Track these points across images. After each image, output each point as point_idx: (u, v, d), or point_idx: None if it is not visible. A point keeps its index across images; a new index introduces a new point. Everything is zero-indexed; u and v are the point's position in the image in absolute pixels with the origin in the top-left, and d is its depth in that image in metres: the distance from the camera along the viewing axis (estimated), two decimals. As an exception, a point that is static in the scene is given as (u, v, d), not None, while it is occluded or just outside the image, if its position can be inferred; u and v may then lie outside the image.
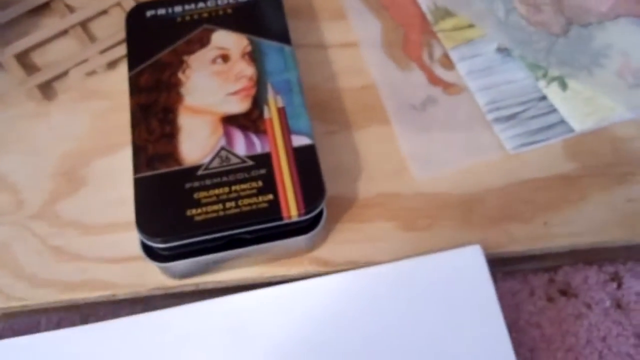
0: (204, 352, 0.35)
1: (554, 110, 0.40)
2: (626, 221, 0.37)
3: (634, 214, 0.37)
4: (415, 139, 0.40)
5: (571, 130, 0.39)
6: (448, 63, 0.43)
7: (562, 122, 0.40)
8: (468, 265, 0.36)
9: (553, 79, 0.41)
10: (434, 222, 0.38)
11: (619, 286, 0.38)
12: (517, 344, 0.36)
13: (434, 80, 0.42)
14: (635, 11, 0.43)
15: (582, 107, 0.40)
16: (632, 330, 0.36)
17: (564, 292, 0.38)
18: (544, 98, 0.41)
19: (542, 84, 0.41)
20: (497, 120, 0.40)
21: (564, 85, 0.41)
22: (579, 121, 0.40)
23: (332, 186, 0.38)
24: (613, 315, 0.37)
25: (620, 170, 0.39)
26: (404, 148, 0.40)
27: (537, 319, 0.37)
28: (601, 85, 0.40)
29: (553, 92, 0.41)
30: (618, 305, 0.37)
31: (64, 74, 0.43)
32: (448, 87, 0.42)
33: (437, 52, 0.43)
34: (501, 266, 0.38)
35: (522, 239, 0.37)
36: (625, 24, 0.42)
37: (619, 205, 0.38)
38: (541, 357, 0.36)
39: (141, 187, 0.35)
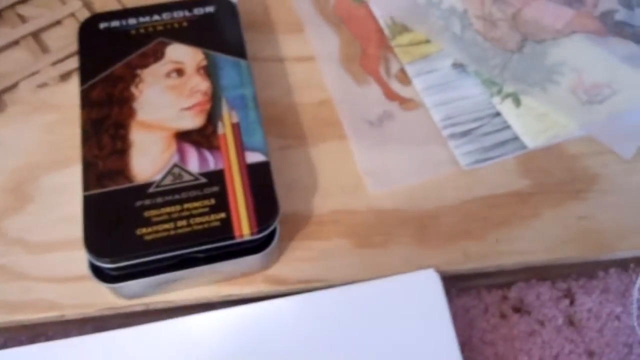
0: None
1: (507, 126, 0.41)
2: (578, 238, 0.38)
3: (585, 231, 0.38)
4: (371, 155, 0.40)
5: (524, 147, 0.40)
6: (405, 78, 0.43)
7: (516, 138, 0.40)
8: (423, 289, 0.36)
9: (507, 95, 0.41)
10: (389, 238, 0.38)
11: (572, 303, 0.38)
12: (471, 362, 0.36)
13: (390, 95, 0.42)
14: (590, 27, 0.43)
15: (535, 123, 0.40)
16: (584, 347, 0.37)
17: (517, 309, 0.38)
18: (498, 114, 0.41)
19: (496, 100, 0.41)
20: (452, 136, 0.40)
21: (517, 102, 0.41)
22: (532, 138, 0.40)
23: (286, 203, 0.38)
24: (565, 332, 0.37)
25: (572, 187, 0.39)
26: (359, 164, 0.40)
27: (490, 336, 0.37)
28: (554, 101, 0.41)
29: (507, 109, 0.41)
30: (571, 322, 0.38)
31: (14, 86, 0.42)
32: (404, 102, 0.42)
33: (394, 67, 0.43)
34: (455, 282, 0.38)
35: (476, 256, 0.37)
36: (579, 40, 0.43)
37: (571, 222, 0.38)
38: (494, 375, 0.36)
39: (90, 205, 0.34)
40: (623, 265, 0.39)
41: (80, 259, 0.35)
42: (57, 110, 0.42)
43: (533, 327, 0.37)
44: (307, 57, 0.44)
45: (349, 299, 0.36)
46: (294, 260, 0.37)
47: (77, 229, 0.34)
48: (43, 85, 0.42)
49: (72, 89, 0.42)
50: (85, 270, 0.34)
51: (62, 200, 0.38)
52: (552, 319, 0.37)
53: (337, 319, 0.36)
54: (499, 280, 0.39)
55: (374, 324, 0.35)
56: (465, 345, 0.36)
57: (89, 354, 0.35)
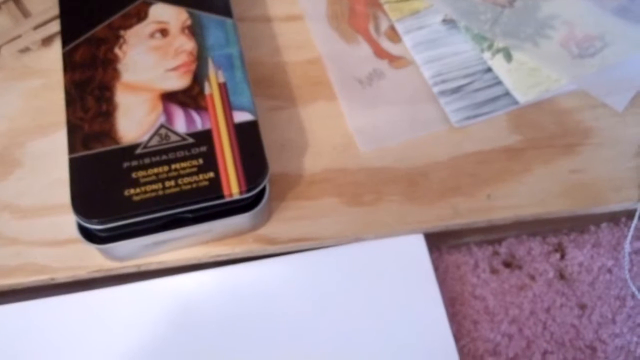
0: (145, 331, 0.35)
1: (498, 82, 0.40)
2: (569, 192, 0.37)
3: (577, 184, 0.38)
4: (361, 113, 0.39)
5: (515, 102, 0.39)
6: (394, 36, 0.42)
7: (507, 94, 0.40)
8: (410, 253, 0.37)
9: (498, 51, 0.41)
10: (379, 197, 0.37)
11: (562, 257, 0.38)
12: (461, 317, 0.36)
13: (380, 53, 0.42)
14: (582, -19, 0.43)
15: (526, 78, 0.40)
16: (575, 300, 0.37)
17: (508, 264, 0.38)
18: (489, 70, 0.40)
19: (487, 55, 0.41)
20: (443, 93, 0.40)
21: (509, 57, 0.41)
22: (523, 93, 0.40)
23: (277, 163, 0.38)
24: (557, 286, 0.37)
25: (563, 141, 0.39)
26: (350, 122, 0.39)
27: (480, 291, 0.37)
28: (546, 56, 0.40)
29: (498, 64, 0.40)
30: (561, 276, 0.38)
31: (-4, 51, 0.42)
32: (394, 60, 0.41)
33: (384, 25, 0.43)
34: (446, 239, 0.38)
35: (466, 212, 0.37)
36: (571, -7, 0.42)
37: (562, 176, 0.38)
38: (485, 329, 0.36)
39: (76, 167, 0.34)
40: (614, 219, 0.39)
41: (69, 222, 0.35)
42: (41, 75, 0.41)
43: (524, 281, 0.37)
44: (294, 16, 0.43)
45: (340, 258, 0.36)
46: (285, 219, 0.37)
47: (65, 193, 0.34)
48: (25, 50, 0.42)
49: (55, 53, 0.41)
50: (75, 233, 0.33)
51: (50, 165, 0.38)
52: (543, 273, 0.37)
53: (327, 278, 0.36)
54: (490, 236, 0.39)
55: (363, 282, 0.36)
56: (455, 300, 0.37)
57: (78, 311, 0.35)
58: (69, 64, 0.37)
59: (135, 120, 0.35)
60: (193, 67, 0.37)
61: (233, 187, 0.33)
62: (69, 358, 0.34)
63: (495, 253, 0.38)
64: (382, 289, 0.36)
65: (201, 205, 0.33)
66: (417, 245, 0.37)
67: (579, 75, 0.40)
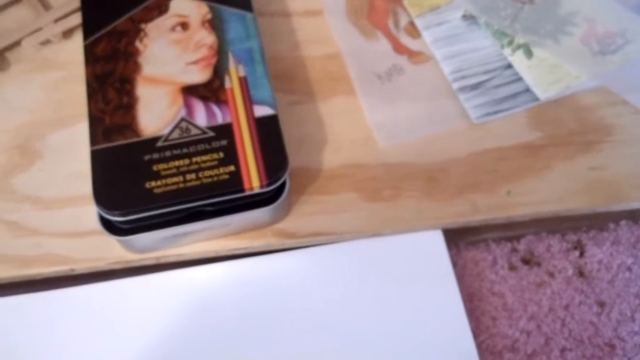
0: (163, 322, 0.35)
1: (519, 78, 0.40)
2: (589, 189, 0.37)
3: (596, 181, 0.37)
4: (380, 109, 0.39)
5: (536, 99, 0.39)
6: (414, 31, 0.42)
7: (527, 90, 0.40)
8: (429, 249, 0.37)
9: (518, 47, 0.41)
10: (398, 192, 0.37)
11: (582, 254, 0.38)
12: (479, 313, 0.36)
13: (399, 48, 0.41)
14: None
15: (547, 75, 0.40)
16: (594, 298, 0.37)
17: (526, 261, 0.38)
18: (509, 66, 0.40)
19: (507, 51, 0.41)
20: (462, 89, 0.40)
21: (529, 53, 0.40)
22: (544, 90, 0.39)
23: (296, 158, 0.38)
24: (575, 284, 0.37)
25: (583, 138, 0.39)
26: (369, 118, 0.39)
27: (499, 287, 0.37)
28: (566, 53, 0.40)
29: (518, 60, 0.40)
30: (581, 274, 0.38)
31: (17, 43, 0.42)
32: (414, 55, 0.41)
33: (403, 20, 0.42)
34: (464, 236, 0.38)
35: (486, 208, 0.37)
36: (592, -10, 0.42)
37: (582, 173, 0.38)
38: (503, 326, 0.36)
39: (98, 159, 0.34)
40: (634, 217, 0.39)
41: (89, 214, 0.35)
42: (61, 68, 0.41)
43: (543, 278, 0.37)
44: (314, 11, 0.43)
45: (356, 254, 0.37)
46: (304, 214, 0.37)
47: (86, 185, 0.34)
48: (46, 42, 0.42)
49: (76, 46, 0.42)
50: (95, 225, 0.34)
51: (70, 157, 0.38)
52: (562, 270, 0.37)
53: (342, 274, 0.36)
54: (508, 233, 0.39)
55: (379, 279, 0.36)
56: (474, 296, 0.37)
57: (95, 302, 0.36)
58: (90, 56, 0.37)
59: (156, 113, 0.35)
60: (213, 60, 0.37)
61: (254, 180, 0.33)
62: (87, 347, 0.35)
63: (514, 250, 0.38)
64: (400, 284, 0.36)
65: (222, 198, 0.33)
66: (435, 241, 0.37)
67: (600, 72, 0.40)
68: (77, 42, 0.42)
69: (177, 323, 0.35)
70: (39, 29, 0.42)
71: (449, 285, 0.36)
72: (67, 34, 0.42)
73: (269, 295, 0.36)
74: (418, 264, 0.36)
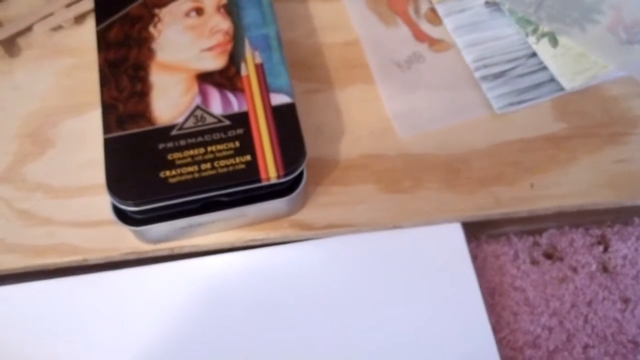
0: (176, 311, 0.34)
1: (543, 67, 0.39)
2: (614, 183, 0.36)
3: (622, 175, 0.36)
4: (400, 98, 0.38)
5: (561, 88, 0.38)
6: (435, 18, 0.41)
7: (552, 80, 0.38)
8: (448, 242, 0.36)
9: (543, 35, 0.39)
10: (418, 184, 0.36)
11: (606, 249, 0.37)
12: (500, 308, 0.35)
13: (419, 36, 0.40)
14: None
15: (572, 64, 0.39)
16: (618, 294, 0.36)
17: (549, 256, 0.37)
18: (533, 55, 0.39)
19: (532, 40, 0.39)
20: (485, 78, 0.38)
21: (554, 42, 0.39)
22: (569, 79, 0.38)
23: (313, 147, 0.37)
24: (599, 279, 0.36)
25: (609, 130, 0.38)
26: (388, 107, 0.38)
27: (520, 282, 0.36)
28: (593, 41, 0.39)
29: (543, 49, 0.39)
30: (604, 269, 0.37)
31: (28, 29, 0.41)
32: (434, 43, 0.40)
33: (424, 7, 0.41)
34: (485, 229, 0.37)
35: (508, 201, 0.36)
36: (618, -23, 0.40)
37: (608, 166, 0.37)
38: (525, 321, 0.35)
39: (111, 148, 0.33)
40: (660, 211, 0.38)
41: (102, 203, 0.34)
42: (73, 54, 0.41)
43: (565, 273, 0.36)
44: (331, -4, 0.42)
45: (374, 245, 0.36)
46: (321, 205, 0.36)
47: (99, 174, 0.33)
48: (58, 28, 0.41)
49: (88, 32, 0.41)
50: (108, 215, 0.33)
51: (82, 145, 0.37)
52: (586, 265, 0.36)
53: (361, 265, 0.35)
54: (530, 226, 0.38)
55: (397, 271, 0.35)
56: (494, 290, 0.36)
57: (108, 290, 0.35)
58: (103, 42, 0.36)
59: (170, 101, 0.34)
60: (229, 47, 0.36)
61: (270, 171, 0.32)
62: (98, 336, 0.34)
63: (536, 244, 0.37)
64: (418, 277, 0.35)
65: (237, 189, 0.32)
66: (454, 234, 0.36)
67: (628, 62, 0.38)
68: (89, 28, 0.41)
69: (190, 312, 0.35)
70: (51, 14, 0.41)
71: (468, 280, 0.35)
72: (79, 19, 0.41)
73: (283, 285, 0.35)
74: (436, 258, 0.35)
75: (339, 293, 0.35)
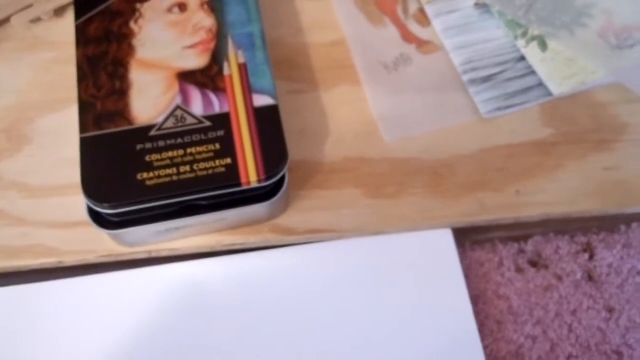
0: (154, 317, 0.34)
1: (532, 72, 0.38)
2: (601, 190, 0.36)
3: (610, 182, 0.36)
4: (386, 100, 0.38)
5: (549, 94, 0.37)
6: (423, 19, 0.40)
7: (541, 85, 0.38)
8: (437, 248, 0.35)
9: (533, 39, 0.39)
10: (402, 189, 0.36)
11: (592, 257, 0.37)
12: (484, 316, 0.35)
13: (407, 37, 0.40)
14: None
15: (562, 69, 0.38)
16: (603, 303, 0.35)
17: (534, 263, 0.36)
18: (522, 59, 0.38)
19: (521, 43, 0.39)
20: (473, 82, 0.38)
21: (544, 46, 0.38)
22: (558, 84, 0.38)
23: (296, 150, 0.36)
24: (584, 288, 0.36)
25: (597, 137, 0.37)
26: (374, 110, 0.37)
27: (505, 290, 0.35)
28: (583, 46, 0.38)
29: (532, 53, 0.38)
30: (590, 278, 0.36)
31: (6, 20, 0.40)
32: (422, 45, 0.39)
33: (412, 7, 0.40)
34: (470, 235, 0.37)
35: (493, 208, 0.35)
36: (610, -19, 0.40)
37: (595, 173, 0.36)
38: (508, 330, 0.35)
39: (88, 147, 0.32)
40: (646, 220, 0.38)
41: (79, 204, 0.33)
42: (52, 48, 0.39)
43: (550, 281, 0.36)
44: (318, -6, 0.41)
45: (359, 252, 0.35)
46: (303, 209, 0.35)
47: (76, 173, 0.32)
48: (37, 20, 0.40)
49: (68, 25, 0.40)
50: (85, 216, 0.32)
51: (60, 143, 0.36)
52: (571, 273, 0.36)
53: (345, 272, 0.35)
54: (516, 233, 0.37)
55: (384, 278, 0.35)
56: (479, 298, 0.35)
57: (87, 295, 0.34)
58: (82, 37, 0.35)
59: (150, 100, 0.33)
60: (212, 45, 0.35)
61: (251, 174, 0.31)
62: (75, 342, 0.33)
63: (521, 251, 0.37)
64: (405, 285, 0.34)
65: (217, 192, 0.32)
66: (444, 240, 0.35)
67: (617, 68, 0.38)
68: (69, 21, 0.40)
69: (168, 318, 0.34)
70: (30, 6, 0.40)
71: (458, 287, 0.34)
72: (59, 12, 0.40)
73: (263, 293, 0.34)
74: (426, 265, 0.35)
75: (322, 301, 0.34)
